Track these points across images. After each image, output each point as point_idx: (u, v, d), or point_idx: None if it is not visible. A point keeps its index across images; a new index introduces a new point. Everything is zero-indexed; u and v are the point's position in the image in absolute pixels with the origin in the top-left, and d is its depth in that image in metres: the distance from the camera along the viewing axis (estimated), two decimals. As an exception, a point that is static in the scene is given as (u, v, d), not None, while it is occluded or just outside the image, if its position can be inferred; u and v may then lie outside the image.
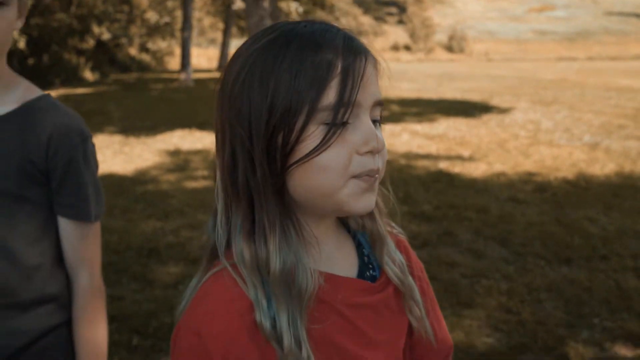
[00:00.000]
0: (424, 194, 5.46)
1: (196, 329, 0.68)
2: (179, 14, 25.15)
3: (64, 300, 1.22)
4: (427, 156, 7.30)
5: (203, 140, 8.54)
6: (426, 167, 6.67)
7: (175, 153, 7.63)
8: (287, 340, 0.66)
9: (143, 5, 25.55)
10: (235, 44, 23.41)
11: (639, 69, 26.84)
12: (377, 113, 0.72)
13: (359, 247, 0.81)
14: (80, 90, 16.63)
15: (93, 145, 1.21)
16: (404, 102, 13.41)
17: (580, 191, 5.58)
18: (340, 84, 0.66)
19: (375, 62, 0.71)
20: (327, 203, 0.70)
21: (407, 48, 55.45)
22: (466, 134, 8.98)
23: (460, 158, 7.17)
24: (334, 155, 0.67)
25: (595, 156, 7.19)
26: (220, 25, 28.74)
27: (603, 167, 6.59)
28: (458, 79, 21.78)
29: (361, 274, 0.79)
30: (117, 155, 7.49)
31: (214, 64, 29.92)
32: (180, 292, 2.39)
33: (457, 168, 6.59)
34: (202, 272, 0.75)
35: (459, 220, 4.65)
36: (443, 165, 6.75)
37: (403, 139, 8.62)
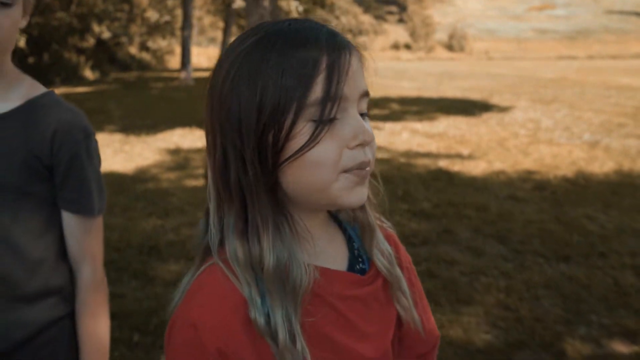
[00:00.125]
0: (424, 192, 5.47)
1: (192, 322, 0.68)
2: (179, 12, 25.14)
3: (68, 293, 1.23)
4: (427, 154, 7.31)
5: (203, 139, 8.28)
6: (426, 165, 6.68)
7: (176, 151, 7.64)
8: (282, 335, 0.67)
9: (143, 4, 25.55)
10: (235, 42, 23.28)
11: (639, 67, 26.81)
12: (364, 106, 0.72)
13: (349, 241, 0.82)
14: (81, 89, 16.64)
15: (96, 142, 1.23)
16: (404, 101, 13.42)
17: (580, 189, 5.59)
18: (326, 79, 0.67)
19: (359, 56, 0.73)
20: (320, 198, 0.71)
21: (408, 47, 55.49)
22: (466, 133, 8.99)
23: (460, 156, 7.18)
24: (324, 151, 0.67)
25: (595, 154, 7.20)
26: (221, 24, 28.70)
27: (602, 165, 6.60)
28: (458, 77, 21.79)
29: (351, 267, 0.80)
30: (118, 153, 7.50)
31: (214, 62, 29.64)
32: (181, 289, 2.40)
33: (456, 166, 6.59)
34: (194, 269, 0.75)
35: (458, 218, 4.67)
36: (443, 163, 6.75)
37: (403, 137, 8.63)
